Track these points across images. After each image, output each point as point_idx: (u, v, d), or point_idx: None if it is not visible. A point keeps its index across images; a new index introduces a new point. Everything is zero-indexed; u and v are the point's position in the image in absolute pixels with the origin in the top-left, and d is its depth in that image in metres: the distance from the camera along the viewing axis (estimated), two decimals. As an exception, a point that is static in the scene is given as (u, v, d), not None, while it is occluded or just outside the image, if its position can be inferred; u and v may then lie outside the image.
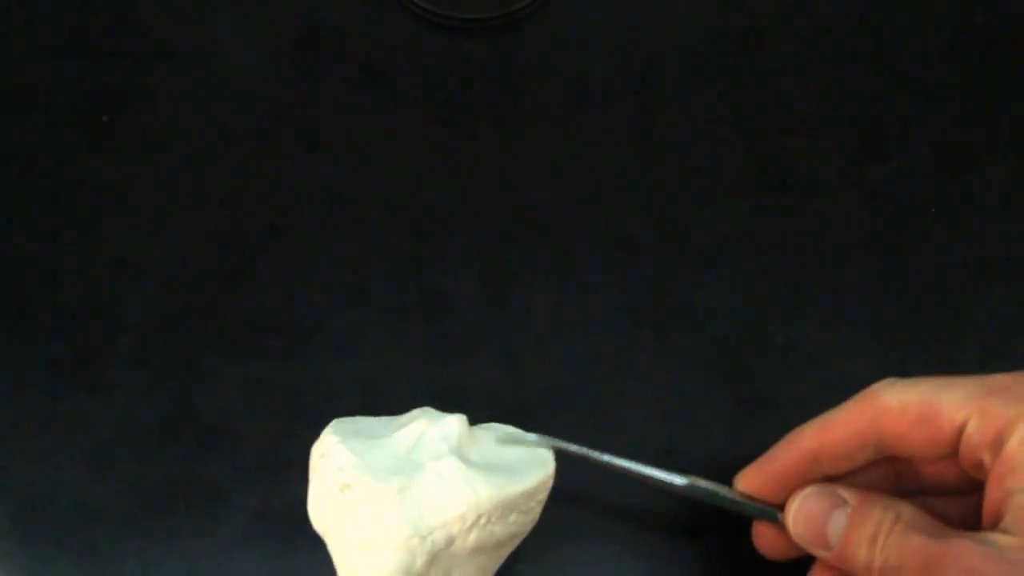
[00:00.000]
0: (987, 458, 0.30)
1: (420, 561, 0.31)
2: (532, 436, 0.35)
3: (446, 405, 0.37)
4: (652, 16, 0.49)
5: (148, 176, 0.45)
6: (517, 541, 0.35)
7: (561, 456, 0.35)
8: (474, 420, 0.36)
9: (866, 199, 0.45)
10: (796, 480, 0.34)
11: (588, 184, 0.45)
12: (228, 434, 0.40)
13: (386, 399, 0.40)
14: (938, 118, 0.47)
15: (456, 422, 0.34)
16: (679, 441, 0.40)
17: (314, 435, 0.40)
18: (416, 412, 0.35)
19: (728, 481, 0.35)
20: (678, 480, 0.34)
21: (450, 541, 0.32)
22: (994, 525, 0.29)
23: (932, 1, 0.50)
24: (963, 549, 0.28)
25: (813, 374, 0.41)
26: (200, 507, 0.39)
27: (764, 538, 0.35)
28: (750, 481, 0.35)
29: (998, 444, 0.29)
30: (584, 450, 0.35)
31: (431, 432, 0.34)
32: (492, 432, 0.35)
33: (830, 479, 0.34)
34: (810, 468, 0.34)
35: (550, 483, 0.34)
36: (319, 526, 0.33)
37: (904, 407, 0.31)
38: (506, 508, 0.33)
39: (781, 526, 0.34)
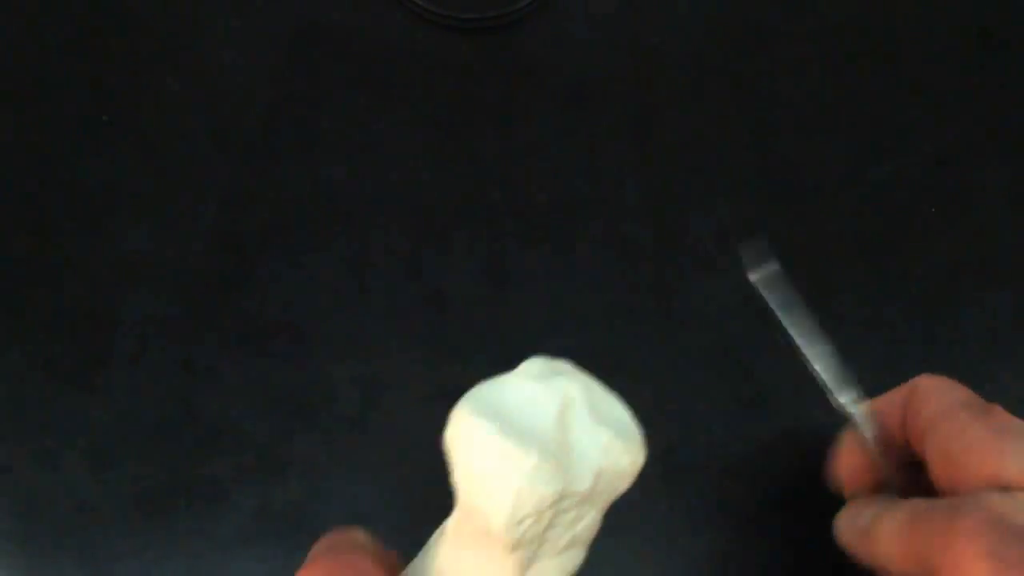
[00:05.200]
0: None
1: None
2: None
3: (446, 405, 0.37)
4: (652, 16, 0.49)
5: (148, 176, 0.45)
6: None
7: None
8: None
9: (866, 199, 0.45)
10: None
11: (588, 184, 0.45)
12: (228, 434, 0.40)
13: (386, 399, 0.40)
14: (938, 118, 0.47)
15: (576, 387, 0.32)
16: (679, 441, 0.40)
17: (314, 435, 0.40)
18: (529, 366, 0.32)
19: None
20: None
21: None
22: None
23: (932, 1, 0.50)
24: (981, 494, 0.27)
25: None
26: (200, 507, 0.39)
27: (845, 465, 0.34)
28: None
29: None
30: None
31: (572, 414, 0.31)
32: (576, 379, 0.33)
33: None
34: None
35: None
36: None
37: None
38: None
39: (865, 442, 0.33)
